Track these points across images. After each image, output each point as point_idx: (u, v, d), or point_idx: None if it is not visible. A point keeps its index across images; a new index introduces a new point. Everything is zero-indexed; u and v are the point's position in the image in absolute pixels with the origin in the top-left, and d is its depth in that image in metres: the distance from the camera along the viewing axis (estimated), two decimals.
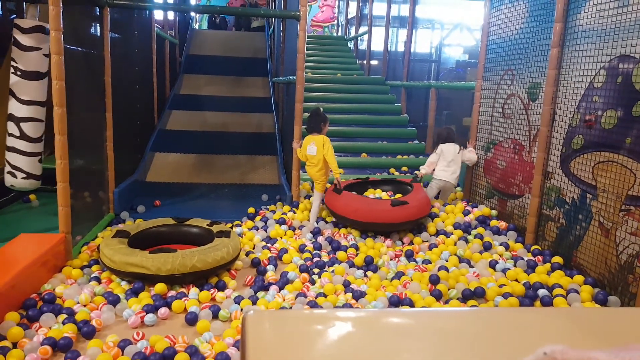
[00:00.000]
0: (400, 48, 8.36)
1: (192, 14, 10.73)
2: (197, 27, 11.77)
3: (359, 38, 9.62)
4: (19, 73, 3.67)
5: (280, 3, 8.09)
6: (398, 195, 4.41)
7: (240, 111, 6.97)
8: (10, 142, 3.78)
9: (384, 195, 4.50)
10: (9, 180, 3.89)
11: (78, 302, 2.76)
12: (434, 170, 4.66)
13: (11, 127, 3.74)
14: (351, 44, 9.96)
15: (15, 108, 3.72)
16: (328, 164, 4.14)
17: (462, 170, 4.96)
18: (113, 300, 2.79)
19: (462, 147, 4.65)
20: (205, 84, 7.73)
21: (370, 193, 4.55)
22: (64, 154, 3.20)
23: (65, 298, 2.81)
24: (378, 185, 4.68)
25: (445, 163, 4.60)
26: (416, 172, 4.66)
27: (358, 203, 3.98)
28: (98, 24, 4.20)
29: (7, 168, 3.88)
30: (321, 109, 4.39)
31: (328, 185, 4.36)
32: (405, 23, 7.60)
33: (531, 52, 3.92)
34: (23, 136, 3.75)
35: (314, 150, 4.14)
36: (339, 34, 12.56)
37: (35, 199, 4.82)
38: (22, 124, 3.73)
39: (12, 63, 3.68)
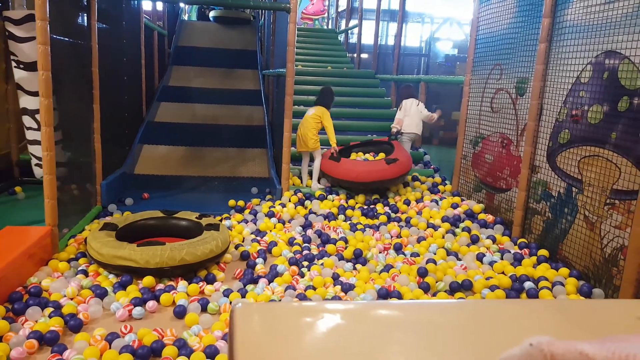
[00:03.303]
0: (391, 42, 8.38)
1: (181, 4, 10.59)
2: (186, 18, 11.64)
3: (350, 31, 9.59)
4: (21, 66, 3.62)
5: None
6: (382, 155, 5.07)
7: (230, 103, 6.92)
8: (31, 135, 3.74)
9: (369, 156, 5.16)
10: (38, 172, 3.85)
11: (65, 296, 2.74)
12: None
13: (28, 121, 3.69)
14: (341, 37, 9.93)
15: (26, 101, 3.67)
16: (317, 132, 4.78)
17: (451, 164, 5.00)
18: (100, 293, 2.77)
19: (420, 102, 5.33)
20: (195, 75, 7.66)
21: (355, 156, 5.17)
22: (50, 146, 3.16)
23: (51, 291, 2.78)
24: (360, 148, 5.34)
25: (409, 118, 5.26)
26: (392, 130, 5.38)
27: (359, 167, 4.64)
28: (85, 14, 4.13)
29: (34, 161, 3.84)
30: (331, 87, 5.15)
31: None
32: (396, 17, 7.60)
33: (519, 47, 3.94)
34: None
35: (312, 112, 4.82)
36: (330, 26, 12.51)
37: (21, 191, 4.75)
38: (37, 116, 3.68)
39: (13, 57, 3.62)
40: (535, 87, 3.62)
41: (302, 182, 5.00)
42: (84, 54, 4.13)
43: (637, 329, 0.81)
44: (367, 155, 5.24)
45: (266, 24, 8.09)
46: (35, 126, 3.71)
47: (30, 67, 3.62)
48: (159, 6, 8.27)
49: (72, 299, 2.71)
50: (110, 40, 4.83)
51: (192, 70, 7.80)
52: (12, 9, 4.24)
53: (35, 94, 3.68)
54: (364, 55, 9.00)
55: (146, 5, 7.02)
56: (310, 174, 5.00)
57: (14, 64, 3.65)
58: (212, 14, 9.88)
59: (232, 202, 4.66)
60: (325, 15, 13.62)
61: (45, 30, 3.04)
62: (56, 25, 3.35)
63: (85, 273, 3.07)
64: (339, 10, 11.07)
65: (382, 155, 5.13)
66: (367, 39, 8.64)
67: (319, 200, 4.59)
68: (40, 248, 3.09)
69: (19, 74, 3.63)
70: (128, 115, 5.81)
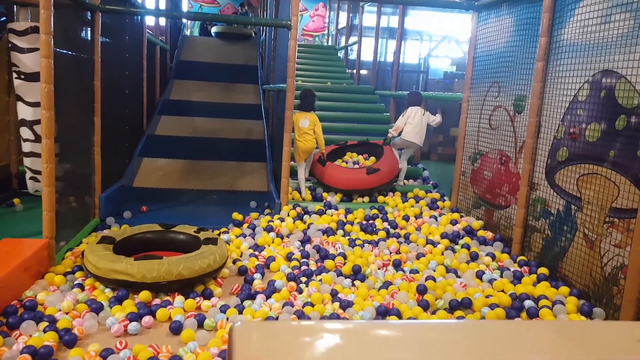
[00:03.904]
0: (390, 58, 8.46)
1: (184, 20, 10.71)
2: (188, 33, 11.76)
3: (349, 48, 9.69)
4: (22, 76, 3.62)
5: (271, 12, 8.14)
6: (372, 159, 5.43)
7: (230, 117, 6.96)
8: (27, 147, 3.71)
9: (361, 158, 5.58)
10: (33, 186, 3.80)
11: (60, 310, 2.71)
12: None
13: (25, 132, 3.67)
14: (341, 54, 10.02)
15: (25, 112, 3.67)
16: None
17: (450, 180, 5.01)
18: (96, 308, 2.74)
19: (426, 111, 5.25)
20: (196, 89, 7.71)
21: (349, 157, 5.61)
22: (50, 158, 3.16)
23: (47, 305, 2.76)
24: (355, 149, 5.69)
25: (412, 125, 5.18)
26: (388, 135, 5.42)
27: (340, 174, 5.01)
28: (89, 28, 4.17)
29: (29, 174, 3.79)
30: (313, 90, 5.29)
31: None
32: (395, 34, 7.68)
33: (517, 65, 3.98)
34: (38, 139, 3.68)
35: (307, 123, 4.95)
36: (329, 43, 12.63)
37: (19, 203, 4.74)
38: (35, 127, 3.66)
39: (14, 68, 3.63)
40: (533, 105, 3.65)
41: (301, 195, 5.00)
42: (87, 67, 4.16)
43: (637, 352, 0.80)
44: (360, 157, 5.62)
45: (267, 40, 8.17)
46: (33, 138, 3.68)
47: (31, 77, 3.64)
48: (162, 21, 8.36)
49: (67, 314, 2.68)
50: (113, 54, 4.87)
51: (193, 84, 7.86)
52: (17, 21, 4.29)
53: (33, 104, 3.66)
54: (364, 72, 9.07)
55: (149, 20, 7.10)
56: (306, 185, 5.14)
57: (14, 74, 3.66)
58: (214, 29, 10.00)
59: (235, 215, 4.65)
60: (325, 32, 13.77)
61: (49, 44, 3.07)
62: (60, 38, 3.38)
63: (81, 287, 3.04)
64: (339, 27, 11.19)
65: (373, 159, 5.46)
66: (367, 56, 8.72)
67: (318, 215, 4.58)
68: (36, 261, 3.07)
69: (19, 85, 3.64)
70: (129, 128, 5.83)
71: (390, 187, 5.21)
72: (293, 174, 5.13)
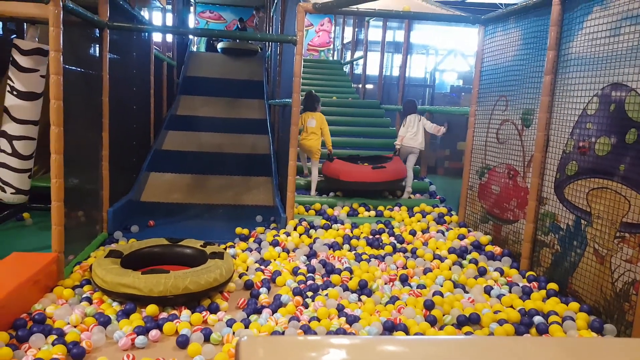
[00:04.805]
0: (395, 72, 8.50)
1: (191, 36, 10.86)
2: (195, 49, 11.91)
3: (355, 62, 9.76)
4: (15, 93, 3.68)
5: (277, 28, 8.23)
6: None
7: (235, 132, 7.01)
8: (1, 158, 3.77)
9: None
10: None
11: (68, 323, 2.72)
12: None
13: (3, 144, 3.73)
14: (347, 68, 10.10)
15: (9, 126, 3.73)
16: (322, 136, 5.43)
17: (457, 194, 4.99)
18: (104, 321, 2.75)
19: (422, 116, 5.62)
20: (202, 105, 7.78)
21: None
22: (59, 173, 3.19)
23: (55, 318, 2.77)
24: (366, 160, 5.83)
25: (411, 132, 5.57)
26: (395, 147, 5.75)
27: (345, 167, 5.32)
28: (97, 45, 4.24)
29: None
30: (313, 91, 5.71)
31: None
32: (400, 48, 7.73)
33: (525, 79, 3.98)
34: (15, 154, 3.75)
35: (314, 122, 5.36)
36: (335, 58, 12.74)
37: (29, 217, 4.77)
38: (14, 142, 3.72)
39: (9, 82, 3.69)
40: (541, 119, 3.64)
41: (304, 171, 5.70)
42: (95, 83, 4.22)
43: None
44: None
45: (273, 55, 8.25)
46: (10, 151, 3.74)
47: (24, 96, 3.69)
48: (169, 38, 8.47)
49: (75, 327, 2.69)
50: (121, 70, 4.93)
51: (199, 99, 7.93)
52: (25, 38, 4.36)
53: (22, 121, 3.72)
54: (369, 86, 9.13)
55: (156, 37, 7.20)
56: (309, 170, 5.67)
57: (8, 87, 3.70)
58: (220, 45, 10.12)
59: (241, 229, 4.65)
60: (331, 47, 13.89)
61: (58, 61, 3.12)
62: (68, 55, 3.43)
63: (89, 300, 3.05)
64: (345, 42, 11.29)
65: None
66: (372, 70, 8.78)
67: (324, 229, 4.57)
68: (45, 275, 3.09)
69: (10, 100, 3.70)
70: (136, 143, 5.88)
71: (395, 187, 5.49)
72: (299, 188, 5.15)
